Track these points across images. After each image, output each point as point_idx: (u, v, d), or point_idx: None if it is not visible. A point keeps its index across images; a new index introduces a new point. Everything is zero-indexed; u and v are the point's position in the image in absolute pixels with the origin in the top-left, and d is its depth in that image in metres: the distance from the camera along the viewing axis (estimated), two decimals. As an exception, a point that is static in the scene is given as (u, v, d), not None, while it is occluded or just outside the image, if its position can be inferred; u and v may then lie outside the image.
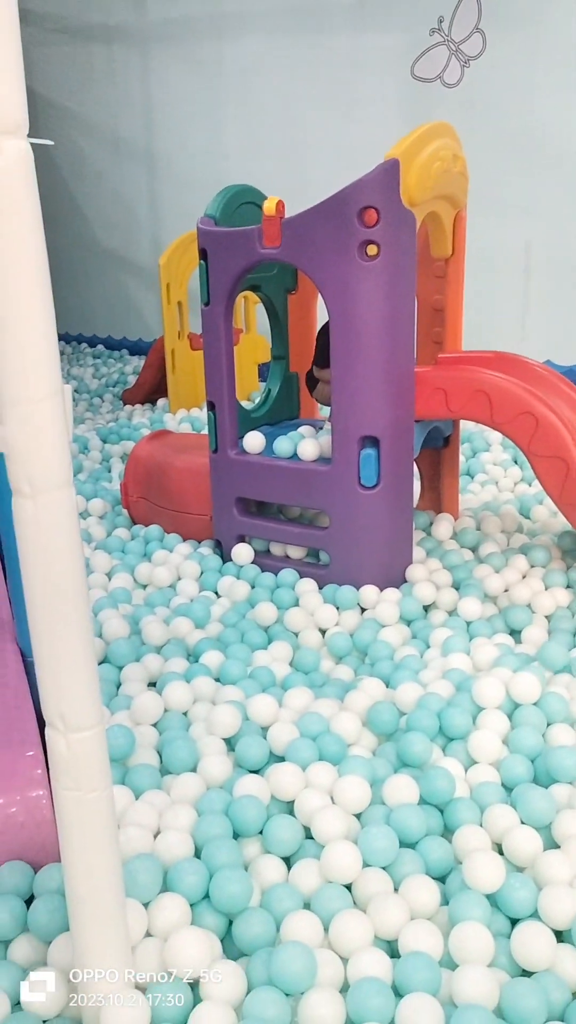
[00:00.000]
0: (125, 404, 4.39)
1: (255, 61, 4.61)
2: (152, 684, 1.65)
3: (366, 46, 4.22)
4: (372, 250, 1.78)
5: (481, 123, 3.78)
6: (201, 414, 3.82)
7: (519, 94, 3.82)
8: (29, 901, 1.10)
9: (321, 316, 2.10)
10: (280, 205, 1.90)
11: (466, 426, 3.25)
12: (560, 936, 1.06)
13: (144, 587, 2.14)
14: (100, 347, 5.91)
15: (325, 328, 2.17)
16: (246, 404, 2.34)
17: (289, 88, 4.51)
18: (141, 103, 5.20)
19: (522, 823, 1.21)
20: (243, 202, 2.16)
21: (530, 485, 2.84)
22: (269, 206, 1.89)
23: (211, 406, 2.14)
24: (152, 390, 4.31)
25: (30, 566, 0.77)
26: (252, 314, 4.18)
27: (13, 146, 0.68)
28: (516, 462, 3.05)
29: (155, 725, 1.48)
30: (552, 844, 1.20)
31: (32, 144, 0.70)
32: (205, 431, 3.34)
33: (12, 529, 0.78)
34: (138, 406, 4.31)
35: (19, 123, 0.68)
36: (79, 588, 0.79)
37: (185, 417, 3.79)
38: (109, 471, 3.18)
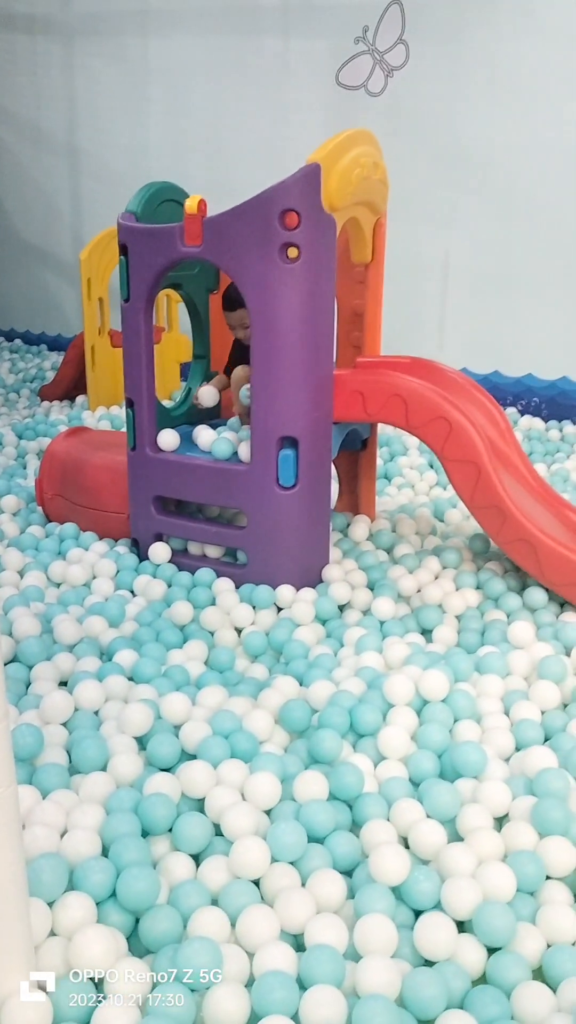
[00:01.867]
0: (43, 400, 4.31)
1: (182, 60, 4.59)
2: (63, 683, 1.63)
3: (292, 51, 4.25)
4: (293, 252, 1.79)
5: (403, 132, 3.85)
6: (121, 412, 3.78)
7: (441, 106, 3.90)
8: None
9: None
10: (202, 204, 1.90)
11: (384, 430, 3.30)
12: (462, 927, 1.09)
13: (58, 586, 2.10)
14: (18, 341, 5.79)
15: None
16: (167, 403, 2.33)
17: (215, 88, 4.50)
18: (64, 96, 5.12)
19: (428, 817, 1.23)
20: (165, 199, 2.15)
21: (445, 489, 2.89)
22: (191, 204, 1.89)
23: (130, 403, 2.12)
24: (71, 387, 4.24)
25: None
26: (174, 313, 4.16)
27: None
28: (432, 466, 3.11)
29: (65, 724, 1.46)
30: (456, 837, 1.23)
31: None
32: (124, 429, 3.31)
33: None
34: (56, 403, 4.24)
35: None
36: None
37: (104, 415, 3.74)
38: (24, 467, 3.12)
